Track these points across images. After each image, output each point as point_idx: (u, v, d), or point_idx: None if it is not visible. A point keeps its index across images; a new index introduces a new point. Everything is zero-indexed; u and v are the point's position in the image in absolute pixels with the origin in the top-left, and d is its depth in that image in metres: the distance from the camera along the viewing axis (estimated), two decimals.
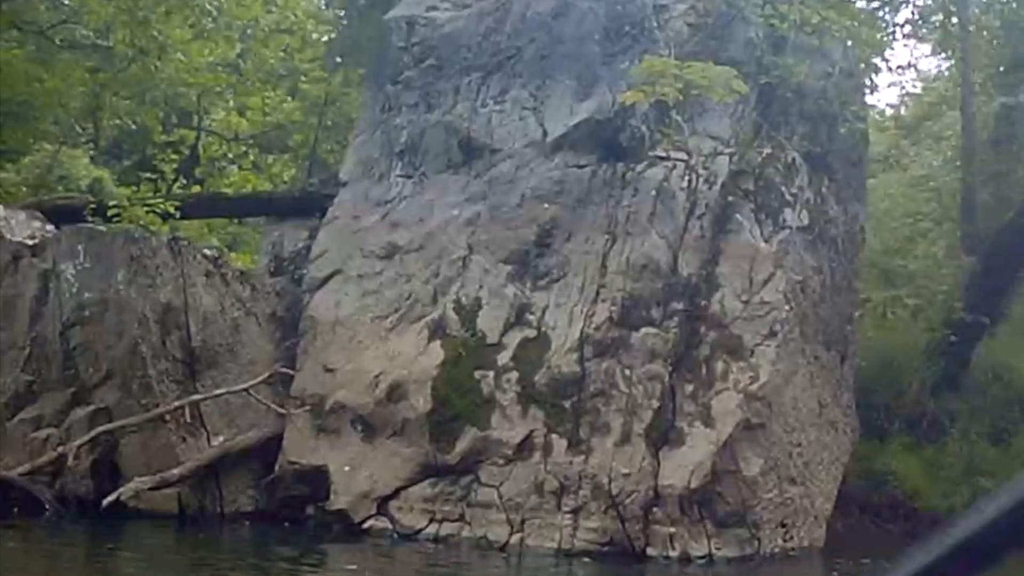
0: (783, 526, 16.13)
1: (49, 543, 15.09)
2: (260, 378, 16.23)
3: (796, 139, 17.42)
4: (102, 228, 16.77)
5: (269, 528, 16.16)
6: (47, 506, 15.90)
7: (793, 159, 17.01)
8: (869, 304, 22.15)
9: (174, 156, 26.71)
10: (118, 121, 26.63)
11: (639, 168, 16.41)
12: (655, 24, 17.57)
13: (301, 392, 16.75)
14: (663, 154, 16.55)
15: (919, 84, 29.97)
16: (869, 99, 30.04)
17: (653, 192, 16.17)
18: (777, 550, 15.97)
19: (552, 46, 17.33)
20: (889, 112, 31.35)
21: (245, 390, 16.08)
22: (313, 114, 24.60)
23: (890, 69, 30.32)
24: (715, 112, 16.98)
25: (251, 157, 27.22)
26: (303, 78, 25.67)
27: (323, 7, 27.41)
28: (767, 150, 16.95)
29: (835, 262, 17.49)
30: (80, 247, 16.54)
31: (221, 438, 16.42)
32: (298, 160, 26.14)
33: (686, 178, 16.37)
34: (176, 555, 15.09)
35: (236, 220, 26.47)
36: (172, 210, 17.64)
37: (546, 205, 16.45)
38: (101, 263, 16.36)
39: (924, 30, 25.96)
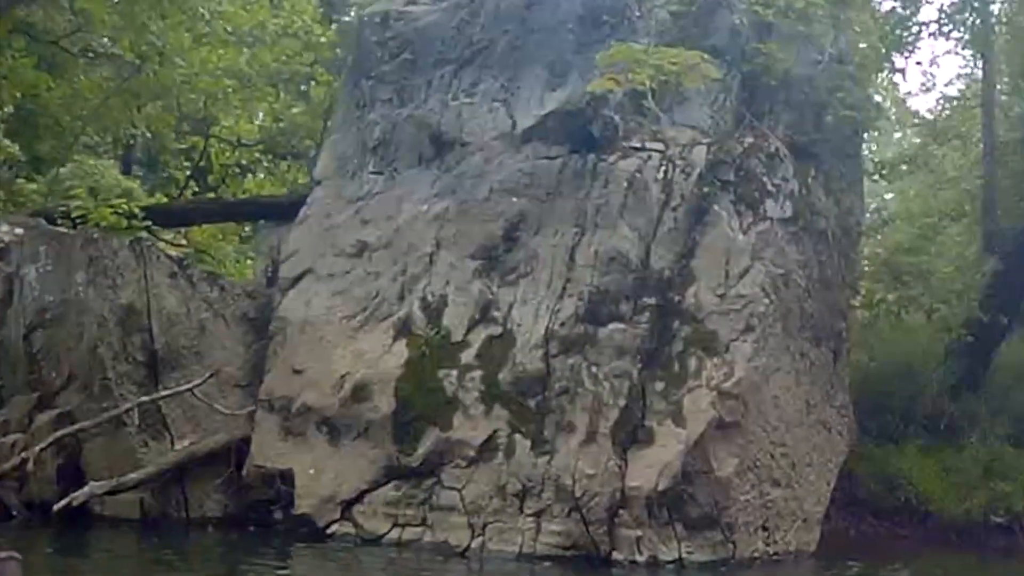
0: (764, 529, 15.42)
1: (11, 548, 14.73)
2: (202, 379, 15.77)
3: (781, 128, 16.73)
4: (63, 230, 16.46)
5: (235, 533, 15.75)
6: (14, 511, 15.61)
7: (777, 148, 16.32)
8: (883, 304, 21.43)
9: (186, 164, 26.54)
10: (135, 130, 26.35)
11: (611, 159, 15.83)
12: (636, 13, 17.02)
13: (269, 394, 16.34)
14: (638, 145, 15.97)
15: (943, 81, 29.10)
16: (913, 103, 29.49)
17: (625, 183, 15.58)
18: (757, 554, 15.26)
19: (525, 36, 16.87)
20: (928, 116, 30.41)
21: (190, 390, 15.64)
22: (320, 117, 24.23)
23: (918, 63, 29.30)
24: (695, 102, 16.43)
25: (265, 163, 26.94)
26: (313, 82, 25.37)
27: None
28: (749, 140, 16.29)
29: (824, 255, 16.74)
30: (42, 249, 16.29)
31: (186, 442, 16.04)
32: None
33: (662, 169, 15.76)
34: (135, 561, 14.68)
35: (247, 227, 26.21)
36: (136, 211, 17.21)
37: (514, 199, 15.93)
38: (61, 265, 16.10)
39: (949, 27, 25.01)
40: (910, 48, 25.44)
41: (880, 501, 19.94)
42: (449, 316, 15.68)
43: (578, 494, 14.36)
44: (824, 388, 16.73)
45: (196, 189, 26.37)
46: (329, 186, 17.57)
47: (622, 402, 14.66)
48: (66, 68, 24.79)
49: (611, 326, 14.99)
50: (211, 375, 15.84)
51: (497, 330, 15.41)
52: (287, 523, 15.78)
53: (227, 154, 26.39)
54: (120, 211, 16.98)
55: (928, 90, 30.61)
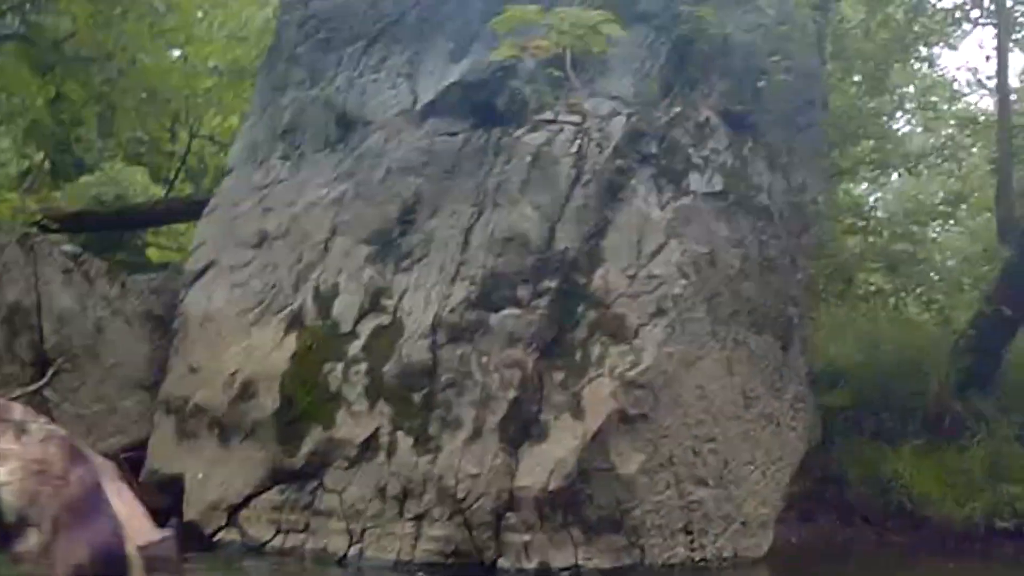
0: (687, 533, 13.95)
1: None
2: (46, 379, 14.80)
3: (715, 97, 15.33)
4: None
5: None
6: None
7: (707, 118, 14.96)
8: (879, 295, 19.85)
9: (177, 164, 25.88)
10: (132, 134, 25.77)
11: (517, 133, 14.56)
12: None
13: (168, 396, 15.39)
14: (551, 118, 14.68)
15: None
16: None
17: (528, 158, 14.30)
18: (676, 560, 13.77)
19: (436, 7, 15.72)
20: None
21: (37, 390, 14.68)
22: None
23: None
24: (618, 71, 15.11)
25: None
26: None
27: None
28: (676, 109, 14.92)
29: (766, 235, 15.27)
30: None
31: None
32: None
33: (576, 143, 14.44)
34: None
35: None
36: (34, 205, 16.45)
37: (411, 178, 14.73)
38: None
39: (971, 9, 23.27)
40: (936, 38, 23.97)
41: (870, 505, 18.33)
42: (339, 306, 14.54)
43: (460, 496, 13.09)
44: (769, 379, 15.18)
45: (190, 192, 25.68)
46: (238, 175, 16.61)
47: (511, 394, 13.34)
48: (69, 72, 24.30)
49: (504, 312, 13.70)
50: (54, 373, 14.85)
51: (386, 319, 14.22)
52: (183, 531, 14.71)
53: (221, 155, 25.66)
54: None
55: (979, 84, 28.42)
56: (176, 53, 24.82)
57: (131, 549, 1.79)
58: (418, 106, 15.19)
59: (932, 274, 20.15)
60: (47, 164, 27.82)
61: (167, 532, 2.43)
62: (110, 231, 24.54)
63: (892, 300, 19.88)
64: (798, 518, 17.62)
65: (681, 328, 13.83)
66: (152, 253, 25.27)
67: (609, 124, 14.60)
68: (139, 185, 26.97)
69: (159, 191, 26.57)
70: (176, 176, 25.74)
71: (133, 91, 23.42)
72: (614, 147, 14.41)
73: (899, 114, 26.01)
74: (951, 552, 17.51)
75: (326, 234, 15.03)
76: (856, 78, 23.24)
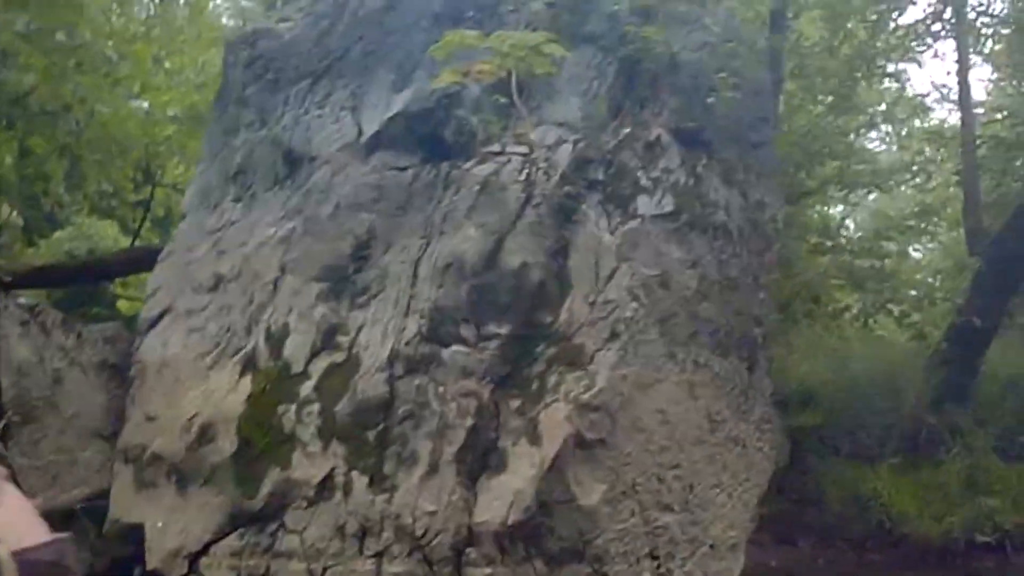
0: (653, 558, 13.72)
1: None
2: None
3: (666, 115, 15.19)
4: None
5: None
6: None
7: (658, 137, 14.81)
8: (848, 313, 19.69)
9: (143, 215, 25.75)
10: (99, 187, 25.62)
11: (467, 166, 14.40)
12: (510, 7, 15.70)
13: (126, 445, 15.19)
14: (499, 149, 14.53)
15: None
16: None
17: (476, 188, 14.15)
18: None
19: (380, 40, 15.59)
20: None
21: None
22: None
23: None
24: (565, 93, 15.00)
25: None
26: None
27: None
28: (626, 130, 14.79)
29: (726, 253, 15.10)
30: None
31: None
32: None
33: (524, 172, 14.29)
34: None
35: None
36: None
37: (363, 214, 14.57)
38: None
39: (933, 25, 23.20)
40: (899, 53, 23.94)
41: (849, 525, 18.14)
42: (290, 346, 14.34)
43: (419, 533, 12.87)
44: (734, 401, 14.98)
45: (157, 241, 25.53)
46: (192, 219, 16.46)
47: (469, 422, 13.13)
48: (32, 127, 24.22)
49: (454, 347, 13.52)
50: (6, 426, 14.69)
51: (340, 357, 14.02)
52: None
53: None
54: None
55: (946, 99, 28.38)
56: (138, 103, 24.67)
57: (3, 552, 1.72)
58: (363, 139, 15.04)
59: (904, 290, 19.93)
60: (19, 221, 27.69)
61: (59, 536, 2.35)
62: (80, 285, 24.33)
63: (861, 317, 19.69)
64: (776, 540, 17.45)
65: (634, 351, 13.63)
66: (122, 305, 25.07)
67: (556, 153, 14.44)
68: (110, 238, 26.87)
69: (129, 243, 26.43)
70: (141, 226, 25.53)
71: (96, 143, 23.28)
72: (561, 175, 14.24)
73: (872, 133, 25.89)
74: (932, 568, 17.36)
75: (275, 273, 14.85)
76: (820, 97, 23.13)
